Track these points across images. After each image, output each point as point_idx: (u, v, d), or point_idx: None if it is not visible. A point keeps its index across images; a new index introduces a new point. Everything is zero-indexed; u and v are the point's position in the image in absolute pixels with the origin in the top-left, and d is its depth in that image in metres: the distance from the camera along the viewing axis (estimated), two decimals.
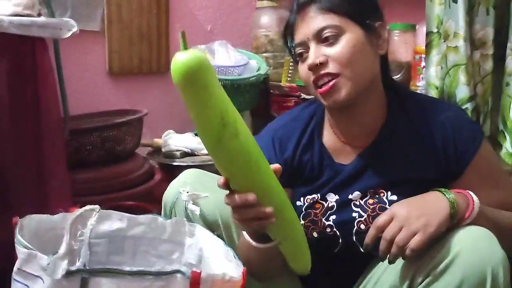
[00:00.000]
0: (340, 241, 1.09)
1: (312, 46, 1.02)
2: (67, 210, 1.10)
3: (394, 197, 1.06)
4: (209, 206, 1.16)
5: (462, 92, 1.25)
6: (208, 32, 2.39)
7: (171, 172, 1.80)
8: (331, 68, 1.00)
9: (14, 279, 0.92)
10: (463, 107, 1.24)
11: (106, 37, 2.09)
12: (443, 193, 0.94)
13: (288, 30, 1.09)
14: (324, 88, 1.01)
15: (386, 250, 0.91)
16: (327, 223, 1.10)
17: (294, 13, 1.06)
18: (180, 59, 0.77)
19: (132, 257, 1.18)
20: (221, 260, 1.04)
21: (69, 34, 1.38)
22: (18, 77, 1.32)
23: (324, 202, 1.11)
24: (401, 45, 1.65)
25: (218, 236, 1.14)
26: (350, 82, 1.00)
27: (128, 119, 1.84)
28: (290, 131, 1.15)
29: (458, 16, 1.23)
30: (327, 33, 1.00)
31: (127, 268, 0.88)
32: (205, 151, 1.85)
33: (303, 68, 1.05)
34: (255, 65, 2.11)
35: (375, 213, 1.05)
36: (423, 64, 1.45)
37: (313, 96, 1.09)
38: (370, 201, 1.08)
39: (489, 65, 1.26)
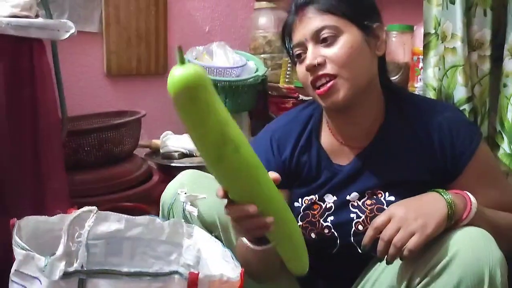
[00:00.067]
0: (338, 242, 1.10)
1: (310, 46, 1.02)
2: (65, 211, 1.10)
3: (392, 198, 1.06)
4: (207, 207, 1.16)
5: (459, 93, 1.25)
6: (206, 33, 2.39)
7: (169, 173, 1.80)
8: (329, 69, 1.00)
9: (12, 280, 0.92)
10: (461, 108, 1.24)
11: (104, 38, 2.09)
12: (441, 194, 0.95)
13: (286, 31, 1.09)
14: (322, 90, 1.01)
15: (384, 250, 0.92)
16: (325, 224, 1.10)
17: (292, 14, 1.06)
18: (178, 75, 0.72)
19: (130, 258, 1.18)
20: (219, 261, 1.05)
21: (67, 35, 1.38)
22: (15, 78, 1.32)
23: (322, 203, 1.11)
24: (399, 46, 1.65)
25: (216, 237, 1.14)
26: (348, 83, 1.00)
27: (126, 120, 1.84)
28: (288, 132, 1.15)
29: (455, 17, 1.23)
30: (325, 33, 1.00)
31: (125, 269, 0.88)
32: None
33: (301, 69, 1.05)
34: (253, 66, 2.11)
35: (373, 214, 1.06)
36: (421, 65, 1.45)
37: (311, 97, 1.09)
38: (368, 202, 1.08)
39: (486, 66, 1.26)
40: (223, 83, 1.97)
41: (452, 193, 0.96)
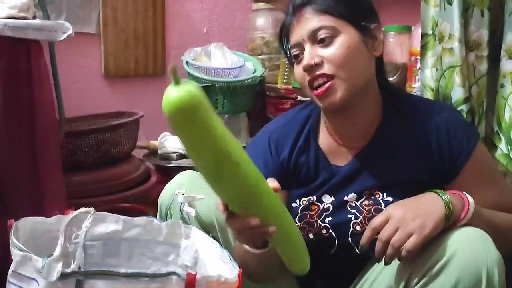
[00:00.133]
0: (336, 242, 1.09)
1: (307, 47, 1.02)
2: (62, 212, 1.10)
3: (390, 199, 1.06)
4: (205, 208, 1.16)
5: (457, 93, 1.25)
6: (204, 34, 2.39)
7: (167, 174, 1.80)
8: (326, 69, 1.00)
9: (9, 281, 0.92)
10: (458, 108, 1.24)
11: (101, 39, 2.09)
12: (439, 194, 0.95)
13: (283, 32, 1.09)
14: (320, 90, 1.01)
15: (382, 251, 0.91)
16: (323, 224, 1.10)
17: (290, 15, 1.06)
18: (172, 96, 0.70)
19: (128, 259, 1.17)
20: (216, 262, 1.04)
21: (64, 36, 1.38)
22: (13, 79, 1.32)
23: (319, 204, 1.11)
24: (396, 47, 1.65)
25: (214, 238, 1.14)
26: (345, 83, 1.00)
27: (124, 121, 1.84)
28: (286, 133, 1.15)
29: (453, 18, 1.23)
30: (322, 34, 1.00)
31: (122, 270, 0.88)
32: None
33: (298, 70, 1.05)
34: (251, 67, 2.11)
35: (371, 214, 1.06)
36: (418, 65, 1.45)
37: (309, 98, 1.09)
38: (366, 202, 1.08)
39: (484, 66, 1.26)
40: (221, 84, 1.97)
41: (450, 193, 0.96)
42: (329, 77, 1.00)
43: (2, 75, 1.30)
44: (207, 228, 1.17)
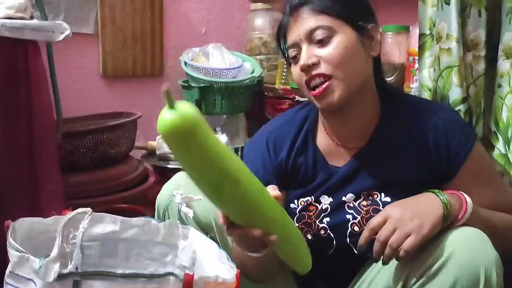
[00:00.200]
0: (334, 243, 1.09)
1: (304, 47, 1.02)
2: (60, 213, 1.10)
3: (388, 199, 1.06)
4: (203, 208, 1.16)
5: (455, 93, 1.25)
6: (202, 34, 2.39)
7: (165, 174, 1.80)
8: (323, 69, 1.00)
9: (6, 282, 0.92)
10: (456, 108, 1.24)
11: (99, 39, 2.09)
12: (437, 194, 0.95)
13: (281, 32, 1.09)
14: (317, 91, 1.01)
15: (380, 251, 0.91)
16: (321, 225, 1.10)
17: (287, 15, 1.06)
18: (167, 119, 0.69)
19: (126, 260, 1.17)
20: (214, 262, 1.04)
21: (62, 37, 1.38)
22: (10, 80, 1.32)
23: (318, 205, 1.11)
24: (394, 47, 1.65)
25: (212, 238, 1.14)
26: (342, 83, 1.00)
27: (122, 121, 1.84)
28: (284, 134, 1.15)
29: (450, 18, 1.23)
30: (319, 34, 1.00)
31: (120, 271, 0.88)
32: None
33: (295, 70, 1.05)
34: (249, 68, 2.11)
35: (369, 215, 1.06)
36: (416, 66, 1.45)
37: (307, 98, 1.09)
38: (364, 203, 1.08)
39: (481, 66, 1.27)
40: (219, 84, 1.97)
41: (448, 193, 0.96)
42: (326, 77, 1.00)
43: None
44: (205, 228, 1.17)
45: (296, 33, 1.03)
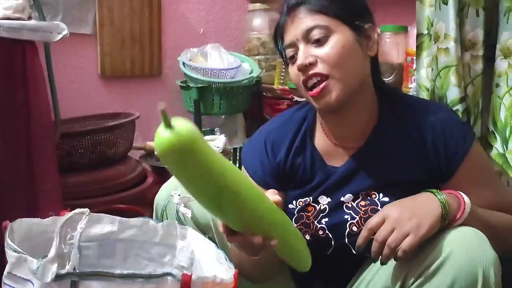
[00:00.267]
0: (333, 243, 1.09)
1: (301, 46, 1.01)
2: (58, 213, 1.10)
3: (386, 199, 1.06)
4: (201, 209, 1.15)
5: (453, 93, 1.25)
6: (200, 35, 2.39)
7: (164, 175, 1.80)
8: (320, 68, 1.00)
9: (4, 283, 0.92)
10: (454, 108, 1.24)
11: (98, 40, 2.09)
12: (435, 194, 0.95)
13: (278, 32, 1.09)
14: (315, 91, 1.01)
15: (378, 251, 0.91)
16: (319, 225, 1.10)
17: (284, 15, 1.06)
18: (163, 138, 0.67)
19: (124, 260, 1.17)
20: (212, 262, 1.04)
21: (60, 37, 1.38)
22: (8, 80, 1.32)
23: (316, 205, 1.11)
24: (392, 47, 1.65)
25: (210, 238, 1.14)
26: (340, 83, 0.99)
27: (120, 122, 1.84)
28: (282, 134, 1.15)
29: (448, 17, 1.23)
30: (316, 33, 1.00)
31: (117, 271, 0.88)
32: None
33: (293, 70, 1.05)
34: (247, 68, 2.11)
35: (367, 215, 1.06)
36: (415, 66, 1.45)
37: (305, 99, 1.09)
38: (362, 203, 1.08)
39: (479, 66, 1.27)
40: (217, 84, 1.97)
41: (446, 193, 0.96)
42: (324, 76, 1.00)
43: None
44: (203, 229, 1.17)
45: (293, 33, 1.03)
